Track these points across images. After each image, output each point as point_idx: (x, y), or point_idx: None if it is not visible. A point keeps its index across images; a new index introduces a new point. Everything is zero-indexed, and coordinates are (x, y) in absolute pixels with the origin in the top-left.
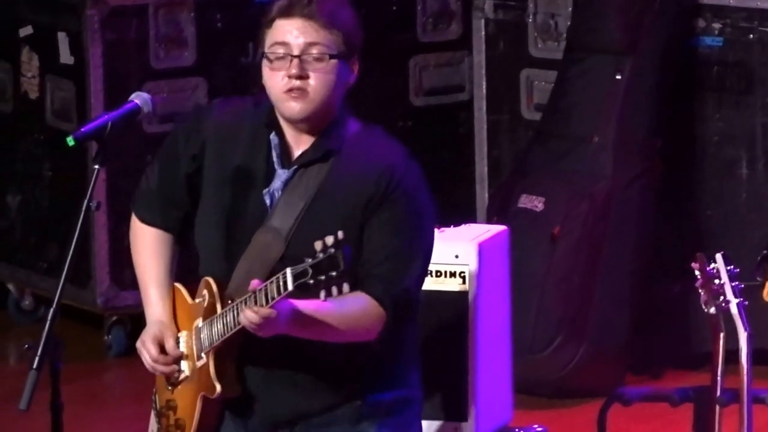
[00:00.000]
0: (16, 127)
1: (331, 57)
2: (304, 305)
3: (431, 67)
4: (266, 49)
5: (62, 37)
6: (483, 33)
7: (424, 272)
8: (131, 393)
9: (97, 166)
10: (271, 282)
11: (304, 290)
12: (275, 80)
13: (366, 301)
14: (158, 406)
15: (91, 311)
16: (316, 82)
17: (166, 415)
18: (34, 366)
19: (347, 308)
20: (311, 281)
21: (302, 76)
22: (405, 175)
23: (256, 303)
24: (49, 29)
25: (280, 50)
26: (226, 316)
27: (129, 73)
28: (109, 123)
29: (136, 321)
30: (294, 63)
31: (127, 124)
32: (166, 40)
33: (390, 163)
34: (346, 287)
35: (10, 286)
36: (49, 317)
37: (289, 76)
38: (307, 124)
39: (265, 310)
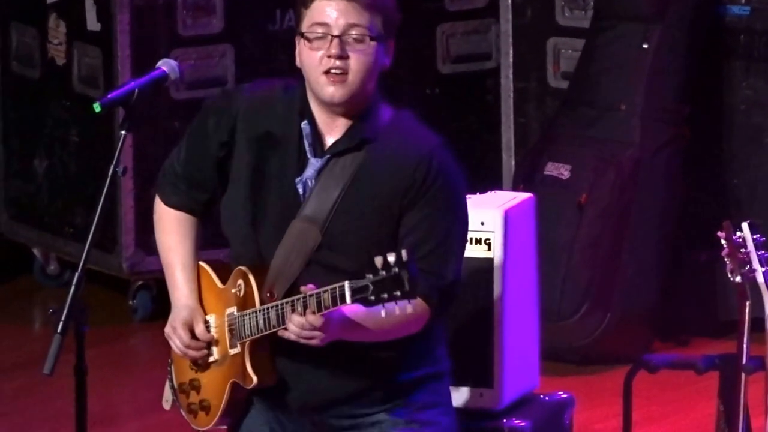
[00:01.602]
0: (43, 93)
1: (371, 39)
2: (353, 312)
3: (459, 34)
4: (305, 29)
5: (90, 4)
6: (510, 1)
7: (463, 256)
8: (156, 357)
9: (123, 132)
10: (326, 291)
11: (362, 304)
12: (314, 60)
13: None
14: (177, 381)
15: (117, 276)
16: (355, 63)
17: (188, 393)
18: (59, 330)
19: (393, 311)
20: (372, 297)
21: (342, 56)
22: (442, 165)
23: (305, 308)
24: None
25: (320, 30)
26: (268, 312)
27: (156, 40)
28: (136, 89)
29: (162, 285)
30: (334, 43)
31: (154, 90)
32: (194, 7)
33: (426, 153)
34: (409, 308)
35: (36, 252)
36: (74, 282)
37: (329, 56)
38: (343, 107)
39: (314, 318)
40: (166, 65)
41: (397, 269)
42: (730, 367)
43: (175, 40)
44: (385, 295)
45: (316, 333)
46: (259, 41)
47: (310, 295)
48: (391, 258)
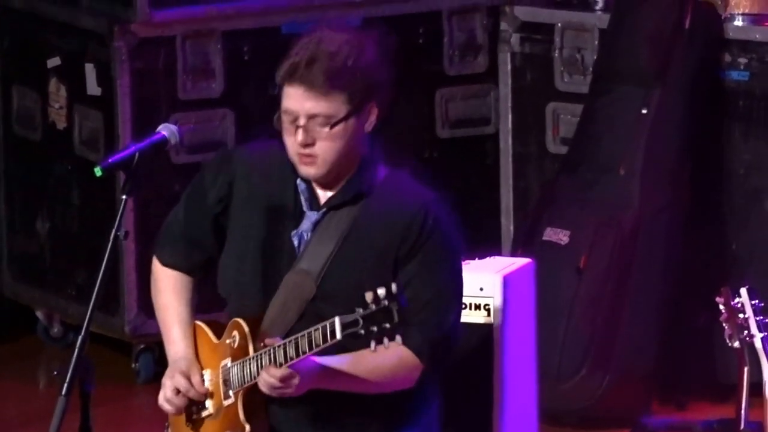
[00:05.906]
0: (45, 156)
1: (334, 124)
2: (331, 361)
3: (458, 99)
4: (281, 110)
5: (90, 68)
6: (509, 66)
7: (460, 312)
8: (159, 419)
9: (124, 196)
10: (317, 329)
11: (353, 339)
12: (289, 141)
13: (402, 351)
14: None
15: (120, 338)
16: (322, 149)
17: None
18: (63, 392)
19: (381, 361)
20: (362, 331)
21: (308, 144)
22: (438, 219)
23: (298, 349)
24: (76, 60)
25: (287, 118)
26: (260, 358)
27: (157, 103)
28: (137, 153)
29: (164, 348)
30: (299, 132)
31: (154, 154)
32: (194, 70)
33: (422, 207)
34: (398, 339)
35: (39, 314)
36: (78, 346)
37: (298, 143)
38: (326, 179)
39: (279, 371)
40: (166, 129)
41: (386, 302)
42: (729, 431)
43: (175, 104)
44: (375, 329)
45: (286, 386)
46: (259, 105)
47: (302, 336)
48: (381, 291)
